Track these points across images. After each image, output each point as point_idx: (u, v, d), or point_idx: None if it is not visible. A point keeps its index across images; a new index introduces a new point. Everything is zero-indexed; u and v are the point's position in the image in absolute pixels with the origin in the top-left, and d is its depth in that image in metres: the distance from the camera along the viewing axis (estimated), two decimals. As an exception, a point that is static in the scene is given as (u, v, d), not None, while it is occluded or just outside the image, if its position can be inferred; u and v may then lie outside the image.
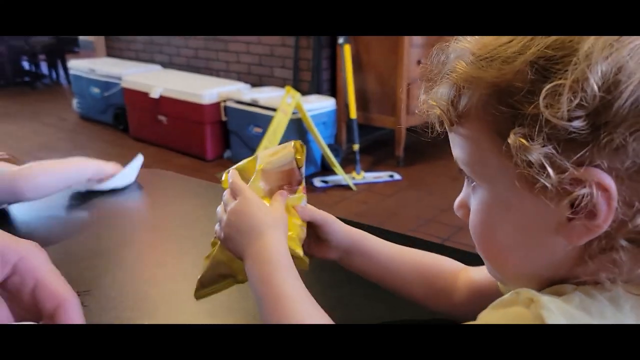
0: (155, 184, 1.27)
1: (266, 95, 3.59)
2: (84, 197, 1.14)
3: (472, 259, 0.62)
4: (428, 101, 0.49)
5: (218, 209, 0.64)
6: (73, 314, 0.41)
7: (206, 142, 3.77)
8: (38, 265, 0.42)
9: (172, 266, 0.88)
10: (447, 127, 0.49)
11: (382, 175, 3.44)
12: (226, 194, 0.64)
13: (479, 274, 0.63)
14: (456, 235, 2.59)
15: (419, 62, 3.39)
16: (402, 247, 0.69)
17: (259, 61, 4.17)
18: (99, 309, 0.76)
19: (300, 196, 0.65)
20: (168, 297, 0.80)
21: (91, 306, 0.77)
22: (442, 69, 0.47)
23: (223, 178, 0.66)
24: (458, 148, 0.48)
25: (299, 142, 0.66)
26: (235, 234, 0.60)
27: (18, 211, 1.09)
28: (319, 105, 3.53)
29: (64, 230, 1.04)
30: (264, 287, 0.54)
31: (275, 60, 4.05)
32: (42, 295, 0.41)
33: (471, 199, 0.49)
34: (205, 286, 0.66)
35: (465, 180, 0.51)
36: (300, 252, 0.62)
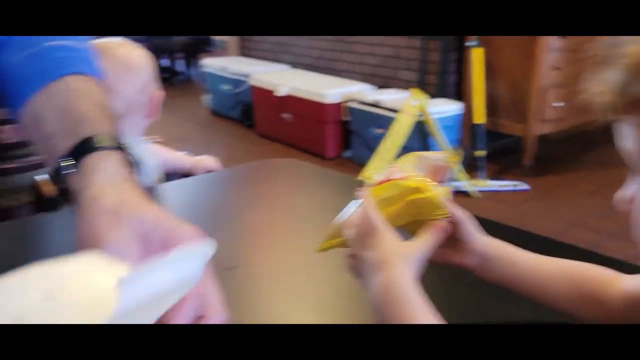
0: (292, 173, 1.31)
1: (390, 96, 3.58)
2: (224, 180, 1.20)
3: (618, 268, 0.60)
4: (592, 87, 0.45)
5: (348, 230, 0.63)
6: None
7: (327, 141, 3.84)
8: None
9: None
10: (613, 116, 0.45)
11: (507, 184, 3.29)
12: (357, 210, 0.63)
13: (636, 282, 0.59)
14: (589, 252, 2.40)
15: (555, 68, 3.21)
16: (541, 255, 0.65)
17: (383, 63, 4.17)
18: (246, 283, 0.79)
19: (445, 190, 0.62)
20: (306, 275, 0.81)
21: (246, 283, 0.80)
22: (611, 53, 0.43)
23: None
24: (628, 139, 0.45)
25: (454, 150, 0.65)
26: (365, 266, 0.59)
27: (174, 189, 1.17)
28: (444, 108, 3.45)
29: (211, 211, 1.10)
30: (391, 319, 0.53)
31: (400, 62, 4.03)
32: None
33: None
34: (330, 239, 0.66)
35: (632, 175, 0.48)
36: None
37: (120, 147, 0.50)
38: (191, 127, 4.80)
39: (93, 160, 0.46)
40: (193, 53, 6.95)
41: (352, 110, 3.73)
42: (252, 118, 4.55)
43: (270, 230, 0.98)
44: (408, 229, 0.63)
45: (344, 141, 3.87)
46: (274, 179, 1.29)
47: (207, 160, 1.46)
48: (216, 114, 5.12)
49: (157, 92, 1.23)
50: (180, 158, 1.46)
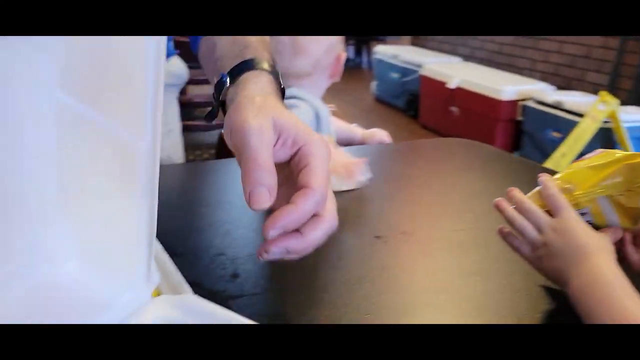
0: (468, 153, 1.22)
1: (573, 99, 3.27)
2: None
3: None
4: None
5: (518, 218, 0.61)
6: (307, 204, 0.44)
7: (496, 139, 3.62)
8: (315, 153, 0.46)
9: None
10: None
11: None
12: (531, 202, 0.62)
13: None
14: None
15: None
16: None
17: (570, 62, 3.82)
18: (422, 248, 0.73)
19: None
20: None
21: (415, 245, 0.75)
22: None
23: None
24: None
25: None
26: (557, 253, 0.57)
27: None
28: (638, 117, 3.06)
29: (384, 179, 1.06)
30: (601, 308, 0.51)
31: (591, 63, 3.66)
32: (301, 179, 0.45)
33: None
34: None
35: None
36: None
37: (275, 73, 0.54)
38: (355, 113, 4.84)
39: (249, 76, 0.52)
40: (365, 41, 7.03)
41: (527, 110, 3.47)
42: (417, 108, 4.46)
43: (443, 205, 0.91)
44: (614, 201, 0.58)
45: (514, 142, 3.62)
46: (449, 156, 1.21)
47: (379, 133, 1.42)
48: (380, 101, 5.12)
49: (342, 53, 1.21)
50: (353, 129, 1.44)
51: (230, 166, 1.04)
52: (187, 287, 0.49)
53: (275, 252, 0.45)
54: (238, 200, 0.87)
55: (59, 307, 0.42)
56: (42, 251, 0.43)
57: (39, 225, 0.42)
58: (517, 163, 1.22)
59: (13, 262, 0.41)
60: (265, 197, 0.43)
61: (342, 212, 0.86)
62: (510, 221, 0.62)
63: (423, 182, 1.04)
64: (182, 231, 0.75)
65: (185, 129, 1.08)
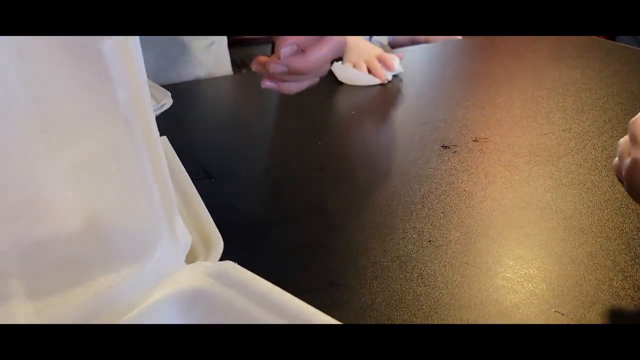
0: (551, 42, 1.04)
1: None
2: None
3: None
4: None
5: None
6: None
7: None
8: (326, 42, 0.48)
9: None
10: None
11: None
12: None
13: None
14: None
15: None
16: None
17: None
18: (503, 160, 0.61)
19: None
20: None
21: (493, 155, 0.62)
22: None
23: None
24: None
25: None
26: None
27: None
28: None
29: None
30: None
31: None
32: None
33: None
34: None
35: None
36: None
37: None
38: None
39: None
40: None
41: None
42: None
43: (526, 105, 0.77)
44: None
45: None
46: (533, 46, 1.04)
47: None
48: None
49: None
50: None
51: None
52: (220, 242, 0.40)
53: (276, 68, 0.48)
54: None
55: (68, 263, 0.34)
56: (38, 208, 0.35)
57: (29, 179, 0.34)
58: (620, 50, 1.02)
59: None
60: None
61: (402, 119, 0.74)
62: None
63: (501, 80, 0.89)
64: (222, 151, 0.67)
65: (233, 44, 0.97)
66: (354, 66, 0.88)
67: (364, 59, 0.88)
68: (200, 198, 0.44)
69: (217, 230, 0.40)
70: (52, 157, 0.33)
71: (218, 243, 0.39)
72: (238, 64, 1.02)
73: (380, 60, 0.88)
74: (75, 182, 0.33)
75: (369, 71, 0.87)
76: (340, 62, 0.90)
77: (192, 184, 0.46)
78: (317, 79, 0.53)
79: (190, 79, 0.88)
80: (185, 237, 0.36)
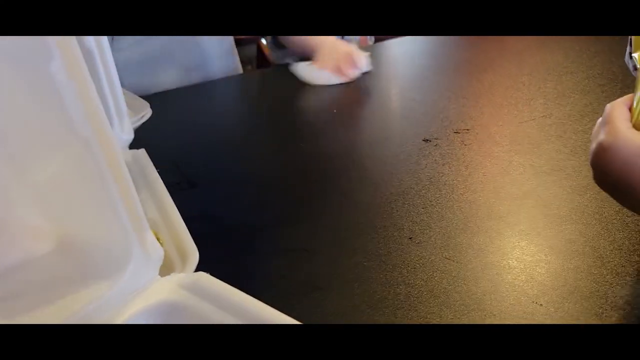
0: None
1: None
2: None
3: None
4: None
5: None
6: None
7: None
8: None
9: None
10: None
11: None
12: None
13: None
14: None
15: None
16: None
17: None
18: (483, 150, 0.61)
19: None
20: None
21: (474, 146, 0.62)
22: None
23: None
24: None
25: None
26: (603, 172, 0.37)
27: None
28: None
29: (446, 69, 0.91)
30: None
31: None
32: None
33: None
34: None
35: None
36: None
37: None
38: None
39: None
40: None
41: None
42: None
43: (507, 93, 0.77)
44: None
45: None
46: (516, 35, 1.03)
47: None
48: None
49: None
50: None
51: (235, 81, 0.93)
52: (195, 253, 0.40)
53: None
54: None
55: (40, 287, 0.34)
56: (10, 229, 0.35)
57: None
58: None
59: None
60: None
61: (383, 115, 0.74)
62: None
63: (484, 67, 0.88)
64: (205, 159, 0.67)
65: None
66: (322, 66, 0.88)
67: (333, 57, 0.88)
68: (176, 209, 0.44)
69: (192, 241, 0.40)
70: (17, 181, 0.33)
71: (193, 254, 0.39)
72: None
73: (349, 59, 0.87)
74: (42, 204, 0.33)
75: (338, 69, 0.87)
76: (304, 63, 0.90)
77: (169, 195, 0.46)
78: None
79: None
80: (157, 251, 0.36)
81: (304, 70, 0.89)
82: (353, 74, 0.87)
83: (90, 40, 0.53)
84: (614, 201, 0.49)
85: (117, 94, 0.56)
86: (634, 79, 0.71)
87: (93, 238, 0.34)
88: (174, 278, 0.36)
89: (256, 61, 1.52)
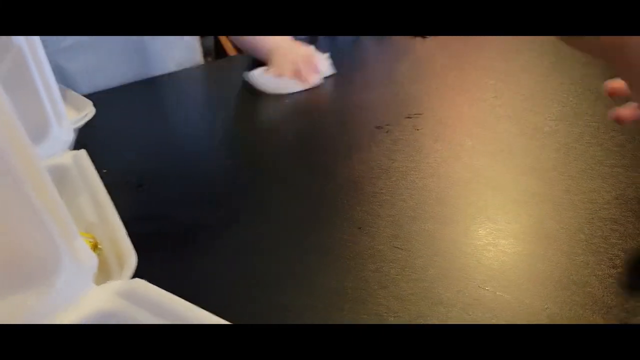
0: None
1: None
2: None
3: None
4: None
5: None
6: None
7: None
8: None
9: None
10: None
11: None
12: None
13: None
14: None
15: None
16: None
17: None
18: (434, 134, 0.61)
19: None
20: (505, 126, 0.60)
21: (425, 130, 0.62)
22: None
23: None
24: None
25: None
26: None
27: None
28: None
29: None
30: None
31: None
32: None
33: None
34: None
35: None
36: None
37: None
38: None
39: None
40: None
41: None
42: None
43: (457, 74, 0.76)
44: None
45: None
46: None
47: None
48: None
49: None
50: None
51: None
52: (132, 258, 0.38)
53: None
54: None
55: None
56: None
57: None
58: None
59: None
60: None
61: (334, 104, 0.72)
62: None
63: (433, 52, 0.88)
64: (151, 157, 0.65)
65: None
66: (278, 72, 0.79)
67: (290, 61, 0.79)
68: (116, 212, 0.42)
69: (131, 245, 0.38)
70: None
71: (130, 259, 0.37)
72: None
73: (308, 62, 0.79)
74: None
75: (297, 75, 0.78)
76: (259, 69, 0.80)
77: (109, 197, 0.45)
78: None
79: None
80: (90, 259, 0.34)
81: (259, 78, 0.79)
82: (314, 79, 0.79)
83: (20, 38, 0.50)
84: (562, 181, 0.49)
85: (53, 94, 0.53)
86: (583, 55, 0.73)
87: (19, 250, 0.33)
88: (110, 286, 0.34)
89: (214, 53, 1.49)
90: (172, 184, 0.57)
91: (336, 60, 0.85)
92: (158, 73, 0.88)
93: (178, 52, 0.90)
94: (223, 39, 1.52)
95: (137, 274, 0.37)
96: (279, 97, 0.79)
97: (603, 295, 0.37)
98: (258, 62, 0.83)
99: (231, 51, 1.42)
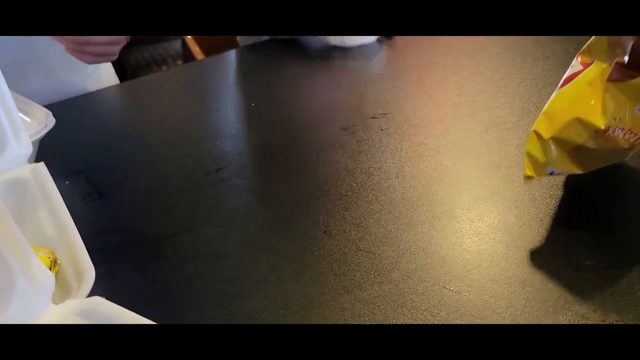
0: None
1: None
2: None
3: None
4: None
5: None
6: None
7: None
8: None
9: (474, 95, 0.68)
10: None
11: None
12: None
13: None
14: None
15: None
16: None
17: None
18: (399, 134, 0.61)
19: None
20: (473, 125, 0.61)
21: (390, 130, 0.62)
22: None
23: None
24: None
25: None
26: None
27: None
28: None
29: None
30: None
31: None
32: None
33: None
34: None
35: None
36: None
37: None
38: None
39: None
40: None
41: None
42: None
43: (422, 72, 0.77)
44: None
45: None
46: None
47: None
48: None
49: None
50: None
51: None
52: (91, 274, 0.38)
53: None
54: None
55: None
56: None
57: None
58: None
59: None
60: None
61: (300, 105, 0.72)
62: None
63: (398, 50, 0.88)
64: (114, 167, 0.64)
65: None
66: None
67: None
68: (74, 226, 0.42)
69: (89, 260, 0.38)
70: None
71: (89, 275, 0.37)
72: (132, 66, 0.97)
73: None
74: None
75: None
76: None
77: (68, 212, 0.44)
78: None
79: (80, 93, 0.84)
80: (46, 278, 0.33)
81: None
82: None
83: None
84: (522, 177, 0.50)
85: (8, 106, 0.52)
86: (544, 51, 0.74)
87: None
88: (68, 305, 0.34)
89: (183, 56, 1.48)
90: (134, 194, 0.56)
91: (304, 62, 0.85)
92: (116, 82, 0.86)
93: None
94: (190, 42, 1.50)
95: (98, 287, 0.37)
96: (242, 102, 0.78)
97: (565, 294, 0.38)
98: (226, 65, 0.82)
99: (199, 55, 1.41)
